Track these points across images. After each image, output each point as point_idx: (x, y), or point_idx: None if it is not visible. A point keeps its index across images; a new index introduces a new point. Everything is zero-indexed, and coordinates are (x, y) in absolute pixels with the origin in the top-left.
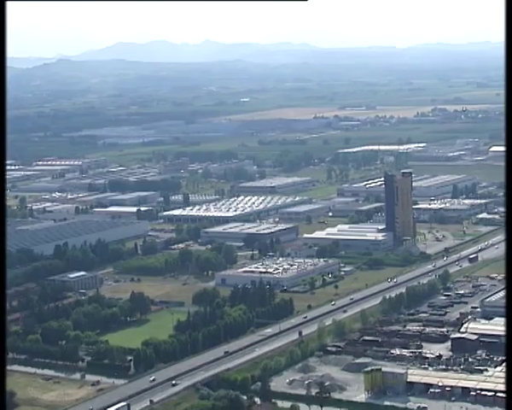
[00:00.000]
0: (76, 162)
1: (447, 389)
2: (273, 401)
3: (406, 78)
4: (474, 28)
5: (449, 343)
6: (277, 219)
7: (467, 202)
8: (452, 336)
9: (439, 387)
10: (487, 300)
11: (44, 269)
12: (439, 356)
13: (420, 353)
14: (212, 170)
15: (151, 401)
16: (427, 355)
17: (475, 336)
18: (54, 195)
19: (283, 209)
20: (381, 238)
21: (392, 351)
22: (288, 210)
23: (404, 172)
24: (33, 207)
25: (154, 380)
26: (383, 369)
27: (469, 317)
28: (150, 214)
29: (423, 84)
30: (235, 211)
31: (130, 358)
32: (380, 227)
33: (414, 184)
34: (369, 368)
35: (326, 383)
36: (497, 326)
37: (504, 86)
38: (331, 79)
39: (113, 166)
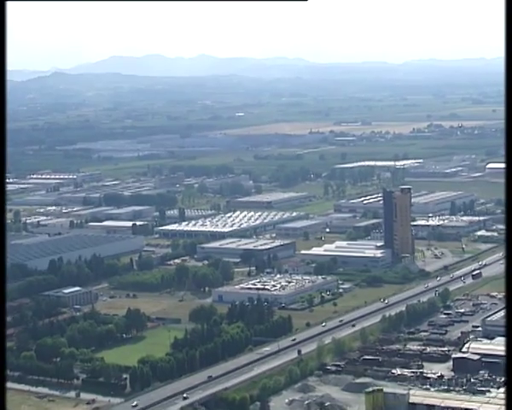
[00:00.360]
0: (70, 176)
1: None
2: None
3: (401, 93)
4: (468, 44)
5: (450, 363)
6: (274, 235)
7: (465, 218)
8: (454, 355)
9: (442, 408)
10: (488, 319)
11: (39, 284)
12: (441, 376)
13: (421, 373)
14: (207, 185)
15: None
16: (429, 375)
17: (477, 356)
18: (48, 208)
19: (280, 225)
20: (379, 255)
21: (393, 371)
22: (285, 226)
23: (403, 188)
24: (27, 221)
25: (136, 406)
26: (384, 390)
27: (471, 336)
28: (146, 229)
29: (418, 99)
30: (232, 226)
31: (126, 376)
32: (378, 244)
33: (412, 200)
34: (370, 389)
35: (326, 404)
36: (500, 346)
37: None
38: (326, 94)
39: (107, 179)
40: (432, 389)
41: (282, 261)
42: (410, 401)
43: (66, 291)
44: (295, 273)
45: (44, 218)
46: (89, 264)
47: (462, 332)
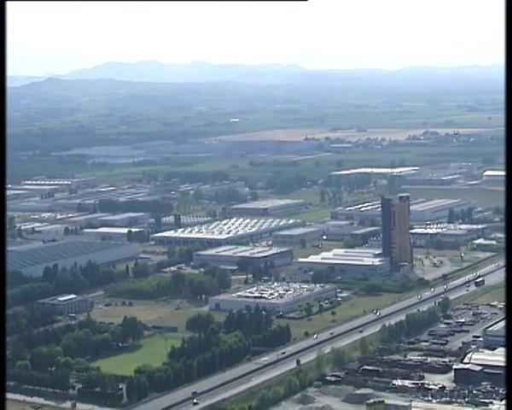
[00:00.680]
0: (65, 182)
1: None
2: None
3: (396, 100)
4: (463, 52)
5: (451, 374)
6: (271, 243)
7: (463, 226)
8: (455, 366)
9: None
10: (490, 329)
11: (33, 292)
12: (443, 388)
13: (422, 384)
14: (203, 191)
15: None
16: (430, 387)
17: (479, 367)
18: (43, 215)
19: (277, 232)
20: (377, 263)
21: (394, 382)
22: (282, 233)
23: (402, 196)
24: (22, 228)
25: None
26: (386, 401)
27: (473, 347)
28: (141, 236)
29: (413, 106)
30: (228, 233)
31: (122, 386)
32: (376, 252)
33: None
34: (371, 400)
35: None
36: (502, 357)
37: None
38: (320, 101)
39: (102, 185)
40: (433, 401)
41: (279, 269)
42: None
43: (62, 299)
44: (293, 281)
45: (39, 224)
46: (84, 271)
47: (463, 342)
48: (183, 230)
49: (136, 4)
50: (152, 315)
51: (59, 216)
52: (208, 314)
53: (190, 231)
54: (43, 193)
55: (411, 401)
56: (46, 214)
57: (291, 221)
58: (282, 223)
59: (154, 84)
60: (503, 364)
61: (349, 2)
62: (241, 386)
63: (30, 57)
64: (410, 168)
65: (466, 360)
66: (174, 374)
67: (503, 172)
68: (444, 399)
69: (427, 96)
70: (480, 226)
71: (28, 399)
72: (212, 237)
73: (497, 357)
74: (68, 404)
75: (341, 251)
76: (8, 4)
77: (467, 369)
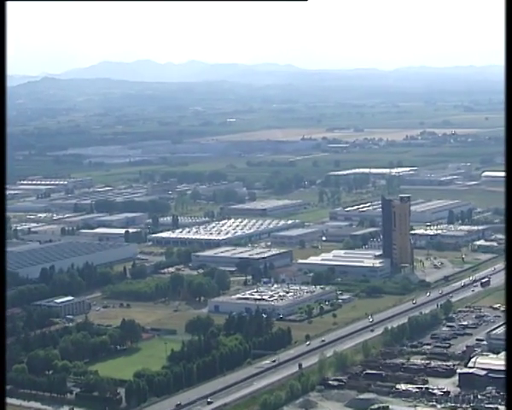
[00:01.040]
0: (61, 182)
1: None
2: None
3: (393, 100)
4: (458, 52)
5: (456, 378)
6: (269, 244)
7: (463, 228)
8: (459, 370)
9: None
10: (493, 332)
11: (30, 293)
12: (447, 392)
13: (426, 388)
14: (200, 191)
15: None
16: (435, 391)
17: (484, 372)
18: (39, 215)
19: (275, 233)
20: (378, 265)
21: (398, 386)
22: (281, 234)
23: (402, 196)
24: (18, 228)
25: None
26: (390, 407)
27: (477, 350)
28: (139, 236)
29: (410, 106)
30: (226, 234)
31: (121, 390)
32: (376, 253)
33: None
34: (375, 406)
35: None
36: None
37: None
38: (317, 101)
39: (99, 186)
40: (438, 406)
41: (278, 270)
42: None
43: (59, 301)
44: (293, 283)
45: (35, 224)
46: (81, 272)
47: (467, 346)
48: (180, 230)
49: (132, 4)
50: (150, 317)
51: (55, 216)
52: (208, 317)
53: (188, 232)
54: (39, 193)
55: (416, 406)
56: (42, 215)
57: (290, 222)
58: (280, 224)
59: (149, 83)
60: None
61: (345, 3)
62: (243, 390)
63: (26, 57)
64: (408, 169)
65: (470, 365)
66: (174, 378)
67: (502, 173)
68: (448, 404)
69: (424, 96)
70: (480, 227)
71: (25, 403)
72: (210, 237)
73: (502, 361)
74: (66, 409)
75: (341, 252)
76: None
77: (471, 373)
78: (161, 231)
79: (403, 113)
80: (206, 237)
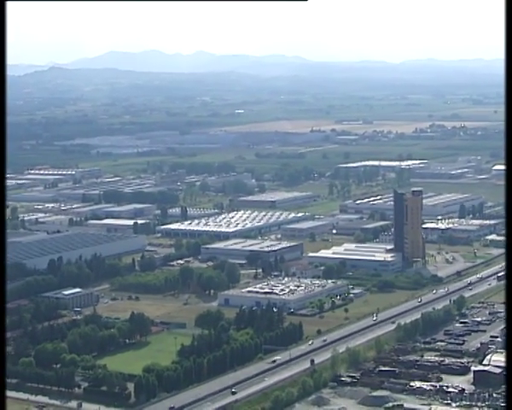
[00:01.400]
0: (69, 172)
1: None
2: None
3: (401, 93)
4: (466, 45)
5: (470, 376)
6: (279, 236)
7: (475, 222)
8: (474, 368)
9: None
10: None
11: (38, 285)
12: (462, 390)
13: (441, 386)
14: (209, 183)
15: None
16: (449, 389)
17: (499, 370)
18: (47, 205)
19: (285, 226)
20: (390, 259)
21: (412, 384)
22: (291, 226)
23: (415, 190)
24: (25, 218)
25: None
26: (405, 405)
27: (491, 348)
28: (147, 228)
29: (419, 99)
30: (236, 226)
31: (130, 384)
32: (388, 247)
33: None
34: (390, 404)
35: None
36: None
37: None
38: (325, 92)
39: (107, 176)
40: (453, 405)
41: (289, 264)
42: None
43: (67, 293)
44: (303, 277)
45: (43, 215)
46: (89, 264)
47: (481, 343)
48: (189, 222)
49: None
50: (159, 310)
51: (63, 207)
52: (218, 310)
53: (197, 224)
54: (47, 183)
55: (430, 404)
56: (50, 205)
57: (300, 214)
58: (290, 216)
59: (157, 74)
60: None
61: None
62: (254, 387)
63: (33, 46)
64: (418, 161)
65: (485, 362)
66: (184, 373)
67: None
68: (463, 402)
69: (432, 89)
70: (491, 222)
71: (32, 397)
72: (219, 229)
73: None
74: (74, 403)
75: (352, 246)
76: None
77: (486, 371)
78: (170, 223)
79: (411, 105)
80: (215, 228)
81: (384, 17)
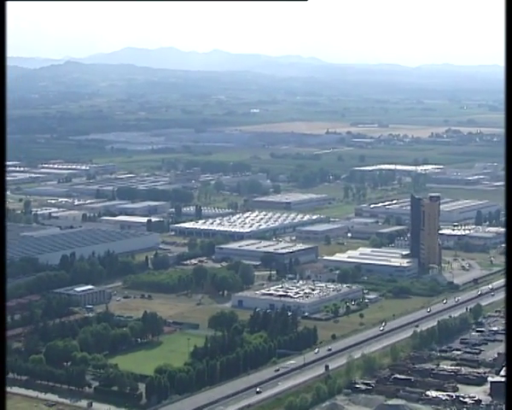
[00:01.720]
0: (83, 167)
1: None
2: None
3: (417, 97)
4: (482, 51)
5: (487, 386)
6: (294, 238)
7: (492, 229)
8: (491, 379)
9: None
10: None
11: (50, 280)
12: (479, 401)
13: (457, 397)
14: (224, 182)
15: None
16: (466, 400)
17: None
18: (60, 200)
19: (300, 228)
20: (405, 265)
21: (427, 393)
22: (306, 229)
23: (432, 195)
24: (38, 213)
25: None
26: None
27: None
28: (161, 226)
29: (434, 104)
30: (251, 227)
31: (141, 385)
32: (404, 252)
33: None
34: None
35: None
36: None
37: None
38: (340, 95)
39: (121, 172)
40: None
41: (303, 266)
42: None
43: (79, 290)
44: (318, 280)
45: (56, 209)
46: (102, 260)
47: (498, 353)
48: (204, 221)
49: None
50: (172, 310)
51: (76, 202)
52: (231, 312)
53: (212, 223)
54: (61, 177)
55: None
56: (63, 200)
57: (315, 217)
58: (305, 218)
59: (173, 71)
60: None
61: None
62: (267, 392)
63: (49, 40)
64: (434, 166)
65: (502, 373)
66: (196, 375)
67: None
68: None
69: (447, 93)
70: None
71: (42, 395)
72: (234, 230)
73: None
74: (84, 403)
75: (368, 250)
76: None
77: (504, 382)
78: (184, 221)
79: (427, 110)
80: (229, 228)
81: (400, 21)
